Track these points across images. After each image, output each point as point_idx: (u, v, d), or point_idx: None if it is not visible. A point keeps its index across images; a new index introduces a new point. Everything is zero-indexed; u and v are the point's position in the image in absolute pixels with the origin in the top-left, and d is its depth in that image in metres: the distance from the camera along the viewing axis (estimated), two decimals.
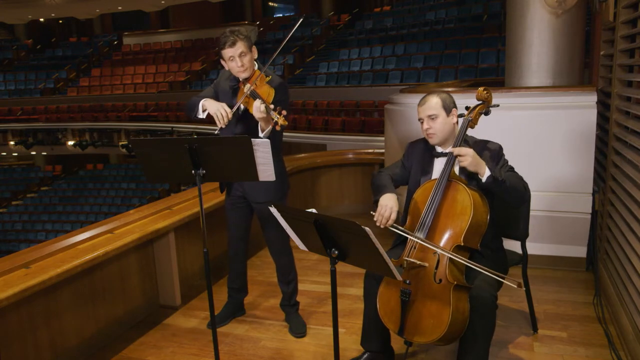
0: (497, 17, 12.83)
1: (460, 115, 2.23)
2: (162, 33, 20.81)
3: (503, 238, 2.40)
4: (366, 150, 5.31)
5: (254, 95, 2.38)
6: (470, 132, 2.24)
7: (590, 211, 3.24)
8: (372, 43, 14.32)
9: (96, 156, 18.45)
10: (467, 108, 2.24)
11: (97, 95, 17.78)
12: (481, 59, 11.33)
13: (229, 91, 2.59)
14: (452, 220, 2.06)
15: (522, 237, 2.54)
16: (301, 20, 2.41)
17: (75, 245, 2.63)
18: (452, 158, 2.12)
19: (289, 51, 16.05)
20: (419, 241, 2.04)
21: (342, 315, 2.89)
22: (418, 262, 2.03)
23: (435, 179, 2.15)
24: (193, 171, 2.09)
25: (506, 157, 2.25)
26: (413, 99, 3.79)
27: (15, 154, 19.66)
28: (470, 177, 2.18)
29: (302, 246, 1.91)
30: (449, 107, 2.21)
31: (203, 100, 2.51)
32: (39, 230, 15.49)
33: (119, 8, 19.92)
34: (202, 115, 2.53)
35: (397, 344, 2.37)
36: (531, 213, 2.51)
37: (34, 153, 18.95)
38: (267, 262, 3.83)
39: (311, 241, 1.81)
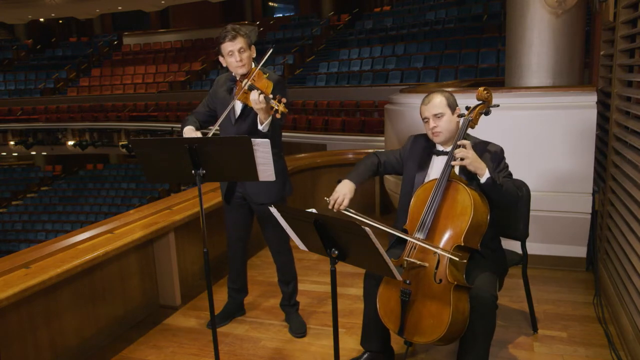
0: (497, 17, 12.83)
1: (461, 116, 2.23)
2: (162, 33, 20.81)
3: (503, 238, 2.40)
4: (366, 150, 5.30)
5: (252, 89, 2.36)
6: (470, 132, 2.24)
7: (590, 211, 3.24)
8: (372, 43, 14.31)
9: (96, 156, 18.44)
10: (467, 108, 2.24)
11: (97, 95, 17.77)
12: (481, 59, 11.33)
13: (227, 95, 2.58)
14: (453, 221, 2.06)
15: (522, 237, 2.54)
16: (271, 50, 2.46)
17: (75, 245, 2.63)
18: (452, 158, 2.12)
19: (289, 51, 16.05)
20: (377, 225, 2.00)
21: (342, 315, 2.88)
22: (418, 262, 2.03)
23: (435, 179, 2.15)
24: (193, 171, 2.09)
25: (507, 157, 2.25)
26: (413, 99, 3.79)
27: (15, 154, 19.66)
28: (470, 177, 2.18)
29: (302, 246, 1.91)
30: (453, 105, 2.22)
31: (185, 129, 2.54)
32: (39, 230, 15.49)
33: (119, 8, 19.92)
34: None
35: (397, 344, 2.37)
36: (531, 213, 2.51)
37: (34, 153, 18.95)
38: (267, 262, 3.83)
39: (311, 241, 1.81)
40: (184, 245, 3.35)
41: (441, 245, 2.05)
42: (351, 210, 2.15)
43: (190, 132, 2.50)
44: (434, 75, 11.36)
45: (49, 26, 24.20)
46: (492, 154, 2.20)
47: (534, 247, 3.20)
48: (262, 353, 2.59)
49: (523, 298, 2.77)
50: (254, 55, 2.53)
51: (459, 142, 2.10)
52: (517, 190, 2.20)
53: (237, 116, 2.55)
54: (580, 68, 4.05)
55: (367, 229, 1.54)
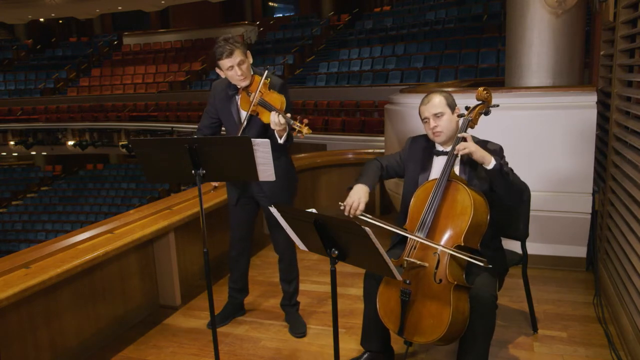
0: (497, 17, 12.83)
1: (460, 116, 2.23)
2: (162, 33, 20.82)
3: (503, 238, 2.40)
4: (366, 150, 5.31)
5: (265, 105, 2.36)
6: (470, 132, 2.23)
7: (590, 211, 3.24)
8: (372, 43, 14.32)
9: (96, 156, 18.45)
10: (467, 108, 2.24)
11: (97, 95, 17.78)
12: (481, 59, 11.33)
13: (229, 102, 2.58)
14: (452, 221, 2.06)
15: (522, 237, 2.54)
16: (266, 72, 2.44)
17: (75, 245, 2.63)
18: (452, 158, 2.12)
19: (289, 51, 16.05)
20: (388, 227, 2.03)
21: (342, 315, 2.89)
22: (418, 262, 2.03)
23: (435, 179, 2.15)
24: (193, 171, 2.09)
25: (506, 157, 2.25)
26: (413, 99, 3.79)
27: (15, 154, 19.66)
28: (470, 177, 2.18)
29: (302, 246, 1.91)
30: (452, 105, 2.22)
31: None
32: (39, 230, 15.49)
33: (119, 8, 19.92)
34: None
35: (397, 344, 2.37)
36: (531, 213, 2.51)
37: (34, 153, 18.95)
38: (267, 262, 3.84)
39: (311, 241, 1.81)
40: (184, 245, 3.35)
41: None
42: (367, 215, 2.09)
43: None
44: (434, 75, 11.37)
45: (49, 26, 24.21)
46: (491, 152, 2.20)
47: (534, 247, 3.20)
48: (262, 353, 2.59)
49: (523, 298, 2.77)
50: (251, 61, 2.51)
51: (459, 135, 2.11)
52: (523, 182, 2.19)
53: (244, 125, 2.53)
54: (580, 68, 4.05)
55: (367, 229, 1.54)
